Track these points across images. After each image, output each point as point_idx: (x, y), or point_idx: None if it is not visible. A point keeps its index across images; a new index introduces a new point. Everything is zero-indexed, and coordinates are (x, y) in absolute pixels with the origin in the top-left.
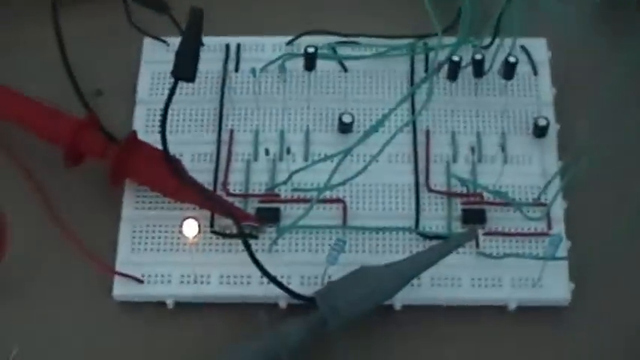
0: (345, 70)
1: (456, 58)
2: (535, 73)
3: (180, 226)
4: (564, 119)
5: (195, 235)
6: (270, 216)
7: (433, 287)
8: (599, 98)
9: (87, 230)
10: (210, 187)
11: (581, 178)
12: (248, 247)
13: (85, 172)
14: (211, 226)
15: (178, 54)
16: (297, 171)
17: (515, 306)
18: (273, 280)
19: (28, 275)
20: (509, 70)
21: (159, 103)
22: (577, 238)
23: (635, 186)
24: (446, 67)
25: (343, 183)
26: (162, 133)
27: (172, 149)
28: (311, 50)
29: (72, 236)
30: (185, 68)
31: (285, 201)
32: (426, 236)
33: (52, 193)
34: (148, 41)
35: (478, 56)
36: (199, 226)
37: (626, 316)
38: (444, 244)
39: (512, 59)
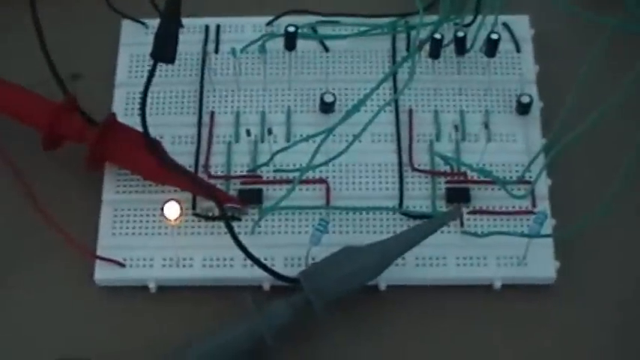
0: (327, 49)
1: (437, 36)
2: (518, 50)
3: (162, 209)
4: (548, 96)
5: (177, 218)
6: (252, 197)
7: (418, 267)
8: (583, 74)
9: (67, 215)
10: (192, 170)
11: (565, 155)
12: (231, 229)
13: (65, 155)
14: (193, 208)
15: (157, 36)
16: (278, 151)
17: (501, 284)
18: (256, 262)
19: (9, 260)
20: (491, 48)
21: (138, 86)
22: (562, 216)
23: (619, 162)
24: (428, 46)
25: (326, 163)
26: (142, 115)
27: (152, 131)
28: (291, 30)
29: (52, 221)
30: (164, 50)
31: (268, 182)
32: (410, 216)
33: (32, 178)
34: (126, 23)
35: (460, 34)
36: (181, 208)
37: (611, 293)
38: (428, 223)
39: (494, 36)
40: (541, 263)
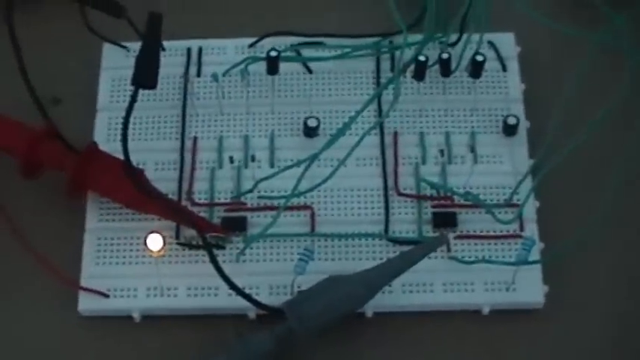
0: (310, 71)
1: (422, 58)
2: (504, 69)
3: (145, 239)
4: (534, 115)
5: (160, 249)
6: (236, 225)
7: (405, 293)
8: (570, 93)
9: (50, 243)
10: (175, 197)
11: (552, 175)
12: (213, 259)
13: (47, 182)
14: (177, 237)
15: (138, 61)
16: (263, 179)
17: (489, 310)
18: (239, 292)
19: None
20: (477, 69)
21: (120, 110)
22: (550, 238)
23: (607, 183)
24: (412, 67)
25: (311, 190)
26: (124, 143)
27: (135, 157)
28: (273, 54)
29: (34, 250)
30: (146, 75)
31: (252, 209)
32: (396, 241)
33: (13, 205)
34: (107, 47)
35: (445, 55)
36: (164, 239)
37: (599, 317)
38: (415, 251)
39: (479, 58)
40: (529, 288)
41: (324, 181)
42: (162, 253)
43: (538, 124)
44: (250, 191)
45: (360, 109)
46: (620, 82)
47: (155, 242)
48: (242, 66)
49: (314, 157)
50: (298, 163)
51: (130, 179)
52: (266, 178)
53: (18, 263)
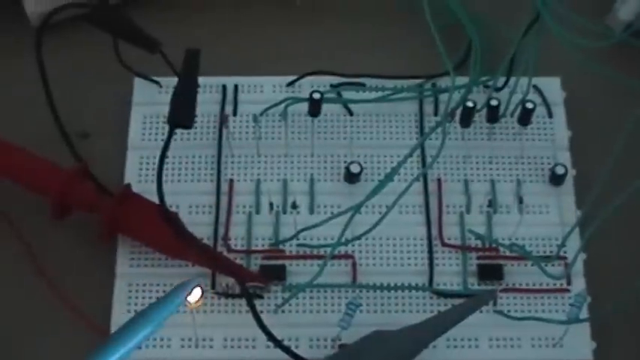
0: (351, 113)
1: (470, 104)
2: (550, 115)
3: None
4: (581, 163)
5: (198, 300)
6: (275, 274)
7: (449, 349)
8: (617, 140)
9: (79, 289)
10: (210, 242)
11: (600, 227)
12: (253, 308)
13: (75, 223)
14: (213, 285)
15: (174, 98)
16: (305, 229)
17: None
18: (278, 344)
19: (17, 338)
20: (526, 116)
21: (152, 149)
22: (598, 293)
23: None
24: (458, 112)
25: (355, 239)
26: (159, 186)
27: (168, 200)
28: (317, 96)
29: (63, 296)
30: (182, 114)
31: (291, 257)
32: (441, 294)
33: (40, 247)
34: (138, 81)
35: (494, 102)
36: (202, 290)
37: None
38: (461, 307)
39: (529, 105)
40: (578, 344)
41: (369, 230)
42: (199, 304)
43: (585, 171)
44: (291, 239)
45: (405, 156)
46: None
47: (193, 294)
48: (281, 106)
49: (359, 207)
50: (342, 213)
51: (168, 224)
52: (309, 228)
53: (46, 309)
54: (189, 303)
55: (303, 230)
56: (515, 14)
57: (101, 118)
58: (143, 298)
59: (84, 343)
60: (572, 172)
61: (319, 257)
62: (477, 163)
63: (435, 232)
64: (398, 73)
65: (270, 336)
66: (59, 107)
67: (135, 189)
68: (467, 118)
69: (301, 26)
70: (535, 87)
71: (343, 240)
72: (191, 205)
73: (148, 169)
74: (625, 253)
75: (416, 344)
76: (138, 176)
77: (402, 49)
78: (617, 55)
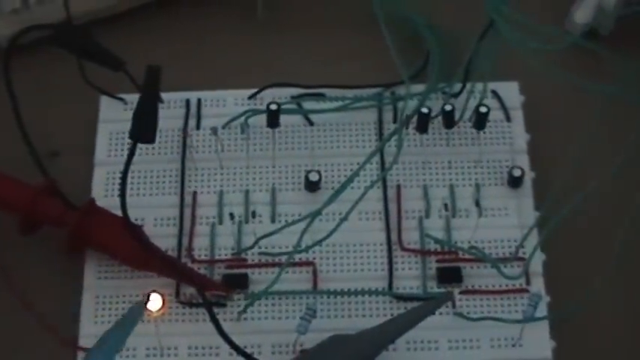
0: (311, 123)
1: (425, 110)
2: (508, 119)
3: (146, 299)
4: (539, 166)
5: (160, 309)
6: (238, 282)
7: (409, 351)
8: (575, 142)
9: (47, 301)
10: (174, 253)
11: (558, 228)
12: (214, 317)
13: (43, 238)
14: (177, 295)
15: (136, 114)
16: (264, 236)
17: None
18: (241, 351)
19: None
20: (481, 120)
21: (118, 165)
22: (557, 293)
23: (616, 234)
24: (415, 119)
25: (314, 246)
26: (122, 199)
27: (133, 213)
28: (273, 107)
29: (31, 309)
30: (144, 129)
31: (253, 265)
32: (400, 298)
33: (9, 262)
34: (104, 99)
35: (448, 107)
36: (164, 299)
37: None
38: (420, 309)
39: (483, 109)
40: (536, 344)
41: (327, 236)
42: (161, 312)
43: (544, 174)
44: (251, 248)
45: (362, 163)
46: (627, 131)
47: (154, 302)
48: (242, 119)
49: (316, 214)
50: (300, 220)
51: (131, 236)
52: (267, 235)
53: (15, 322)
54: (150, 312)
55: (262, 238)
56: (476, 22)
57: (69, 136)
58: (110, 309)
59: (52, 356)
60: (530, 175)
61: (280, 265)
62: (436, 168)
63: (394, 237)
64: (359, 82)
65: (232, 344)
66: (28, 127)
67: (102, 204)
68: (423, 125)
69: (263, 39)
70: (494, 92)
71: (303, 247)
72: (156, 217)
73: (114, 185)
74: (584, 253)
75: (374, 346)
76: (105, 191)
77: (363, 59)
78: (574, 59)
